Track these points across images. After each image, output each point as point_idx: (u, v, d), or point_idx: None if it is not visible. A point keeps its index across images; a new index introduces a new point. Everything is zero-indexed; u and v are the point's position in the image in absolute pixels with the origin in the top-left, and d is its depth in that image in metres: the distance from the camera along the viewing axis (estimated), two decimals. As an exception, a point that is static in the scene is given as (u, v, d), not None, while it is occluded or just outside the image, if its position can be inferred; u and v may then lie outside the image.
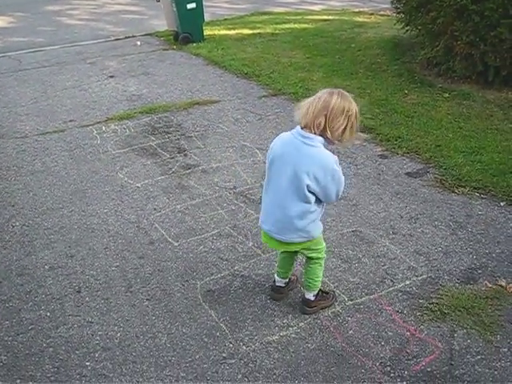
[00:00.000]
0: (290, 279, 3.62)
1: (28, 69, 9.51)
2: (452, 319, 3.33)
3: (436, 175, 5.06)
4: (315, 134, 3.01)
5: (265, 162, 5.16)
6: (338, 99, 3.10)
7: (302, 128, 3.05)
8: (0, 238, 4.45)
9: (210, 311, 3.50)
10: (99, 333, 3.39)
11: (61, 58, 10.11)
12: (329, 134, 3.02)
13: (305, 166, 3.00)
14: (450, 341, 3.17)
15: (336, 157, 3.07)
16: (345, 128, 3.07)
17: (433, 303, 3.46)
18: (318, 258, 3.37)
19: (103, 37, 11.64)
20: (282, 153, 3.13)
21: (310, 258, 3.38)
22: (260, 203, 4.61)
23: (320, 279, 3.42)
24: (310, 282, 3.42)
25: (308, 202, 3.09)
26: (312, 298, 3.45)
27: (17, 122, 6.99)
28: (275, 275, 3.60)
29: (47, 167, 5.64)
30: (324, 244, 3.39)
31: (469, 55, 6.87)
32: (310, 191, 3.04)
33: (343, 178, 3.10)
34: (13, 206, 4.94)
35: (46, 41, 11.68)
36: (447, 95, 6.92)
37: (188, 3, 10.11)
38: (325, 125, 3.00)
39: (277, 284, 3.60)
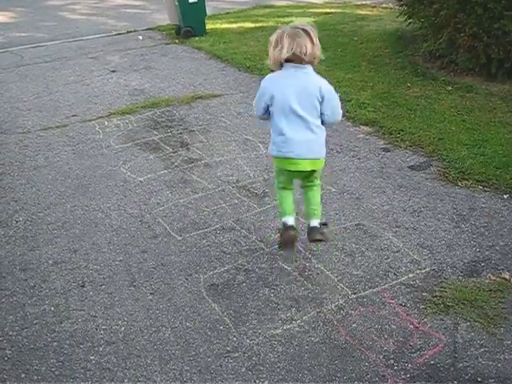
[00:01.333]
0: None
1: (30, 64, 9.51)
2: (455, 312, 3.32)
3: (439, 168, 5.05)
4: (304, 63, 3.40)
5: (267, 156, 5.17)
6: (309, 27, 3.45)
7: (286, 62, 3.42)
8: (3, 233, 4.46)
9: (214, 305, 3.51)
10: (103, 327, 3.40)
11: (62, 53, 10.11)
12: (315, 61, 3.49)
13: (311, 87, 3.40)
14: (454, 334, 3.17)
15: None
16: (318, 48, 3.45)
17: (436, 296, 3.46)
18: (319, 183, 3.78)
19: (105, 31, 11.63)
20: (285, 85, 3.43)
21: (313, 186, 3.73)
22: (263, 197, 4.65)
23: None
24: (315, 209, 3.73)
25: (320, 119, 3.47)
26: (318, 226, 3.68)
27: (19, 117, 6.99)
28: (283, 218, 3.72)
29: (50, 162, 5.64)
30: None
31: (472, 47, 6.84)
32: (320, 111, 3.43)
33: None
34: (16, 201, 4.95)
35: (47, 36, 11.67)
36: (450, 88, 6.90)
37: (190, -3, 10.10)
38: (308, 52, 3.37)
39: (289, 224, 3.69)
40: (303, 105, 3.40)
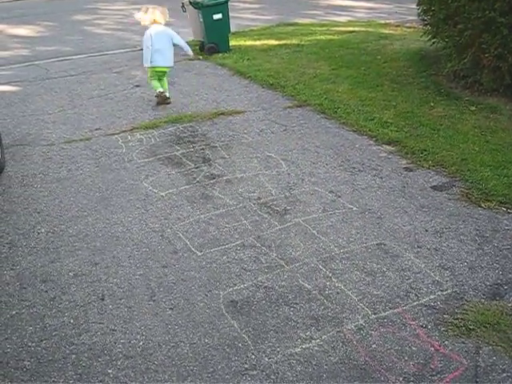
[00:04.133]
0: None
1: (55, 77, 9.65)
2: (477, 335, 3.27)
3: (462, 189, 5.00)
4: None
5: (289, 173, 5.19)
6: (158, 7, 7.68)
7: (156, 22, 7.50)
8: (25, 244, 4.50)
9: (233, 322, 3.50)
10: (122, 341, 3.40)
11: (87, 67, 10.24)
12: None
13: (170, 34, 7.62)
14: (475, 357, 3.12)
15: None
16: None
17: (458, 318, 3.42)
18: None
19: (130, 46, 11.76)
20: (160, 34, 7.50)
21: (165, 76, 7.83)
22: (284, 214, 4.65)
23: None
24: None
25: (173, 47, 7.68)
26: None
27: (44, 129, 7.08)
28: (159, 90, 7.72)
29: (73, 175, 5.69)
30: None
31: (497, 68, 6.81)
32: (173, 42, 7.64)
33: None
34: (38, 212, 5.00)
35: (73, 50, 11.84)
36: (474, 108, 6.86)
37: (214, 14, 10.20)
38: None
39: (161, 90, 7.72)
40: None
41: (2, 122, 7.29)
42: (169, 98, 7.77)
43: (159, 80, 7.76)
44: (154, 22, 7.45)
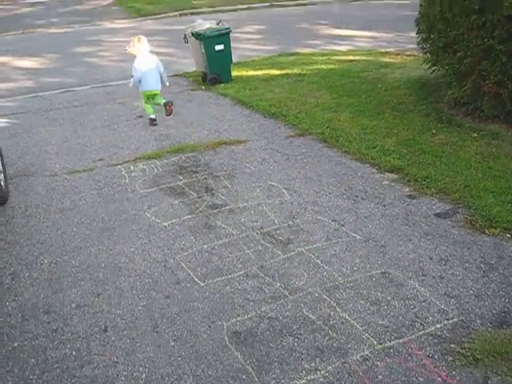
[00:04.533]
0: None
1: (59, 108, 9.72)
2: (485, 365, 3.23)
3: (466, 216, 4.99)
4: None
5: (292, 202, 5.19)
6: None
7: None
8: (28, 275, 4.48)
9: (237, 353, 3.46)
10: (124, 373, 3.37)
11: (91, 98, 10.32)
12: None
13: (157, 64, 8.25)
14: (484, 388, 3.08)
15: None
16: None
17: (465, 348, 3.38)
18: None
19: (133, 77, 11.86)
20: (148, 64, 8.12)
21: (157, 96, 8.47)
22: (288, 243, 4.64)
23: None
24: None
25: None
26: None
27: (47, 160, 7.11)
28: (152, 115, 8.43)
29: (76, 205, 5.70)
30: None
31: (497, 95, 6.83)
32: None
33: None
34: (41, 243, 4.99)
35: (76, 81, 11.94)
36: (475, 135, 6.87)
37: (216, 45, 10.28)
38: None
39: (153, 117, 8.41)
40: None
41: (6, 153, 7.31)
42: (155, 120, 8.47)
43: (153, 99, 8.46)
44: (140, 51, 8.21)
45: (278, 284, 4.14)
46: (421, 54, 8.74)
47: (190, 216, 5.31)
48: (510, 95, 6.69)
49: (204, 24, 10.71)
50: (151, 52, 8.27)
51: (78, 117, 9.09)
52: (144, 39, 8.19)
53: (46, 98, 10.63)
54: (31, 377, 3.39)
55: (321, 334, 3.57)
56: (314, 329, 3.63)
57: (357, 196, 5.47)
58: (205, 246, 4.75)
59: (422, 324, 3.62)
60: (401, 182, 5.76)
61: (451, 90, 7.63)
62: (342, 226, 4.94)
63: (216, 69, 10.52)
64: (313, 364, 3.33)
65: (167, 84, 8.49)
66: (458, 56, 7.07)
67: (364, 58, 12.33)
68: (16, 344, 3.69)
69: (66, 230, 5.21)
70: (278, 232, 4.90)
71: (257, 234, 4.90)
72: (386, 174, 5.99)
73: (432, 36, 7.77)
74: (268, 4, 23.12)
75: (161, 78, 8.33)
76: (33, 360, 3.53)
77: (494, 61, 6.64)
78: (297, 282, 4.13)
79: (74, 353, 3.57)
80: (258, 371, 3.30)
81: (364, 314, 3.74)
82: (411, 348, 3.41)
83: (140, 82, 8.22)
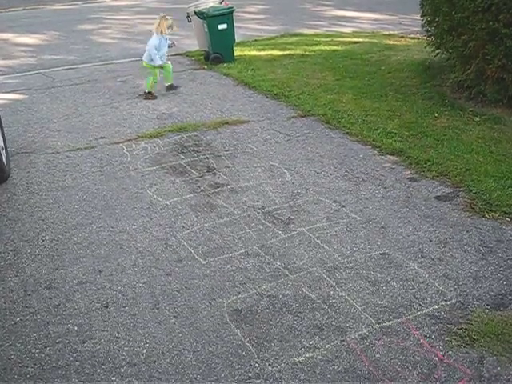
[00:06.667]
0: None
1: (60, 86, 9.69)
2: (481, 345, 3.27)
3: (466, 199, 5.01)
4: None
5: (293, 183, 5.21)
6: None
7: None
8: (30, 252, 4.51)
9: (237, 330, 3.50)
10: (125, 348, 3.41)
11: (92, 76, 10.28)
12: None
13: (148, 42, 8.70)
14: (479, 367, 3.11)
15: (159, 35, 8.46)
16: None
17: (462, 328, 3.41)
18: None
19: (135, 56, 11.78)
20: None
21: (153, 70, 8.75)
22: (288, 223, 4.67)
23: None
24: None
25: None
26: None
27: (48, 137, 7.11)
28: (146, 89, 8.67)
29: (78, 183, 5.71)
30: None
31: (500, 79, 6.82)
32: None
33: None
34: (43, 220, 5.01)
35: (78, 59, 11.90)
36: (478, 119, 6.87)
37: (219, 24, 10.23)
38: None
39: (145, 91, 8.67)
40: None
41: (7, 130, 7.31)
42: (149, 93, 8.75)
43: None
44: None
45: (279, 263, 4.17)
46: (425, 37, 8.70)
47: (191, 195, 5.33)
48: (513, 80, 6.68)
49: (207, 3, 10.66)
50: (156, 32, 8.57)
51: (79, 94, 9.07)
52: (157, 20, 8.62)
53: (48, 75, 10.59)
54: (33, 351, 3.43)
55: (320, 313, 3.61)
56: (314, 307, 3.66)
57: (358, 177, 5.49)
58: (206, 225, 4.77)
59: (420, 304, 3.65)
60: (402, 165, 5.77)
61: (454, 74, 7.61)
62: (343, 207, 4.96)
63: (219, 48, 10.47)
64: (312, 342, 3.37)
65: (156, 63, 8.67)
66: (463, 39, 7.05)
67: (368, 39, 12.29)
68: (18, 319, 3.72)
69: (67, 207, 5.23)
70: (279, 212, 4.92)
71: (258, 213, 4.93)
72: (388, 156, 6.01)
73: (437, 19, 7.73)
74: (272, -16, 22.89)
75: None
76: (35, 334, 3.57)
77: (499, 44, 6.62)
78: (297, 262, 4.17)
79: (75, 328, 3.61)
80: (258, 348, 3.34)
81: (363, 294, 3.78)
82: (409, 328, 3.45)
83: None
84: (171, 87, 8.96)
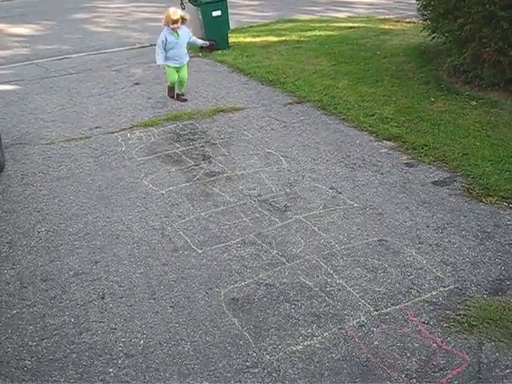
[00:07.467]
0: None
1: (54, 76, 9.61)
2: (480, 331, 3.26)
3: (463, 184, 4.98)
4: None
5: (289, 170, 5.18)
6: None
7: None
8: (25, 244, 4.48)
9: (234, 319, 3.48)
10: (122, 339, 3.39)
11: (87, 66, 10.21)
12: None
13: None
14: (478, 353, 3.10)
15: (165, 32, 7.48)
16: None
17: (460, 314, 3.40)
18: None
19: (129, 44, 11.74)
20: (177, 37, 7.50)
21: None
22: (285, 211, 4.64)
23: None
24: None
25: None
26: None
27: (43, 128, 7.06)
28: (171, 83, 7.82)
29: (73, 173, 5.68)
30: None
31: (497, 62, 6.78)
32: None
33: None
34: (38, 211, 4.98)
35: (72, 48, 11.81)
36: (475, 103, 6.83)
37: (213, 11, 10.15)
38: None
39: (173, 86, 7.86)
40: None
41: (1, 121, 7.27)
42: (181, 94, 7.95)
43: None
44: None
45: (275, 251, 4.15)
46: (421, 21, 8.64)
47: (187, 184, 5.30)
48: (510, 63, 6.65)
49: (201, -11, 10.56)
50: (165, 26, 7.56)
51: (73, 84, 9.00)
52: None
53: (42, 65, 10.50)
54: (30, 343, 3.41)
55: (317, 301, 3.59)
56: (311, 295, 3.65)
57: (354, 164, 5.46)
58: (202, 214, 4.75)
59: (418, 291, 3.64)
60: (399, 150, 5.74)
61: (451, 58, 7.58)
62: (340, 193, 4.94)
63: (213, 35, 10.38)
64: (309, 330, 3.36)
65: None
66: (459, 23, 7.00)
67: (363, 24, 12.22)
68: (15, 311, 3.70)
69: (62, 198, 5.20)
70: (276, 199, 4.90)
71: (254, 201, 4.90)
72: (384, 141, 5.97)
73: (432, 2, 7.68)
74: (266, -31, 22.73)
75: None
76: (31, 327, 3.55)
77: (495, 28, 6.58)
78: (294, 249, 4.15)
79: (72, 320, 3.59)
80: (255, 337, 3.33)
81: (361, 281, 3.76)
82: (407, 314, 3.43)
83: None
84: (179, 97, 7.89)
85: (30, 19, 15.53)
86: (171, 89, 7.93)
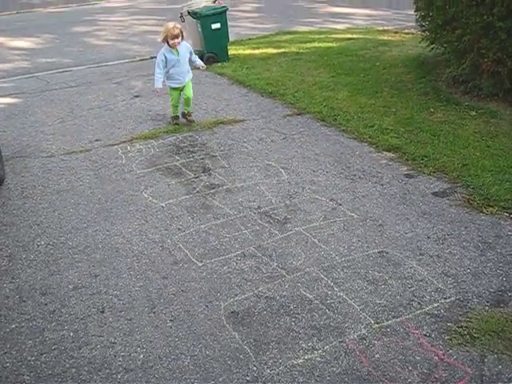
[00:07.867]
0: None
1: (55, 89, 9.64)
2: (482, 343, 3.24)
3: (463, 195, 4.97)
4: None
5: (289, 182, 5.17)
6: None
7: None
8: (25, 257, 4.47)
9: (234, 333, 3.46)
10: (122, 354, 3.37)
11: (87, 78, 10.24)
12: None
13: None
14: (480, 366, 3.08)
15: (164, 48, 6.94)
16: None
17: (462, 327, 3.38)
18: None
19: (129, 57, 11.78)
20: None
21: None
22: (285, 223, 4.62)
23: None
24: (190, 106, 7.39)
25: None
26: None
27: (43, 141, 7.07)
28: (178, 112, 7.43)
29: (72, 186, 5.67)
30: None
31: (496, 73, 6.79)
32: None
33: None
34: (38, 224, 4.97)
35: (73, 61, 11.85)
36: (474, 113, 6.83)
37: (213, 23, 10.20)
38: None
39: (178, 114, 7.42)
40: None
41: (1, 134, 7.29)
42: (184, 115, 7.47)
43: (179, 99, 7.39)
44: None
45: (276, 264, 4.13)
46: (419, 32, 8.67)
47: (187, 196, 5.29)
48: (508, 73, 6.65)
49: (200, 2, 10.62)
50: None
51: (74, 97, 9.02)
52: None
53: (42, 78, 10.54)
54: (29, 358, 3.39)
55: (318, 314, 3.57)
56: (312, 308, 3.63)
57: (354, 175, 5.45)
58: (202, 226, 4.73)
59: (419, 303, 3.62)
60: (398, 161, 5.73)
61: (450, 68, 7.59)
62: (340, 205, 4.92)
63: (213, 48, 10.44)
64: (310, 343, 3.33)
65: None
66: (457, 33, 7.02)
67: (362, 36, 12.25)
68: (13, 326, 3.68)
69: (62, 211, 5.19)
70: (276, 212, 4.89)
71: (254, 213, 4.89)
72: (384, 152, 5.97)
73: (431, 13, 7.70)
74: (265, -18, 22.85)
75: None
76: (30, 341, 3.53)
77: (494, 38, 6.59)
78: (294, 262, 4.13)
79: (71, 334, 3.57)
80: (256, 351, 3.30)
81: (361, 294, 3.74)
82: (408, 327, 3.41)
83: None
84: (185, 117, 7.43)
85: (31, 32, 15.61)
86: (175, 117, 7.39)
